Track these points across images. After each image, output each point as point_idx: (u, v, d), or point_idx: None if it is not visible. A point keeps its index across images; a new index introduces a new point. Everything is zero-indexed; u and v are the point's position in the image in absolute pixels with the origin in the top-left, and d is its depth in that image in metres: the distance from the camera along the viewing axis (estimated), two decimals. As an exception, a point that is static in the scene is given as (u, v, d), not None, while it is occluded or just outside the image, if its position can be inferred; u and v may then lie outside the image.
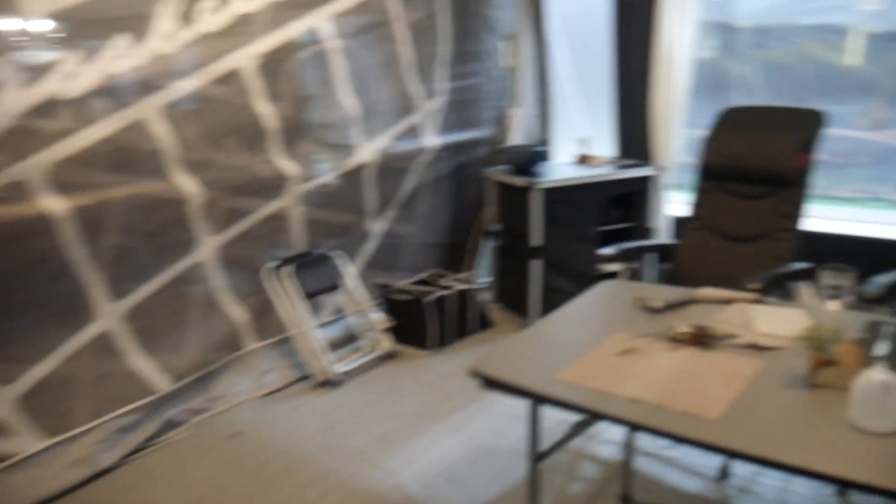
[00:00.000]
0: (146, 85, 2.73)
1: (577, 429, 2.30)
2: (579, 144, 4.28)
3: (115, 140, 2.65)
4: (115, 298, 2.74)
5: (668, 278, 2.91)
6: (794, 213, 2.67)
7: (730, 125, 2.90)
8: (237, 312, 3.25)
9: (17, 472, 2.50)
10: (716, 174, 2.88)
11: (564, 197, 3.80)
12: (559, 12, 4.33)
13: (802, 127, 2.69)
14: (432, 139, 4.05)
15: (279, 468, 2.73)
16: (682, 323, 1.94)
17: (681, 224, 3.72)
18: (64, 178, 2.51)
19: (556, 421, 2.02)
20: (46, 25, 2.47)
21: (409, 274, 4.11)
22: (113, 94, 2.64)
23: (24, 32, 2.42)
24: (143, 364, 2.87)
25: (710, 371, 1.73)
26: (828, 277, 1.74)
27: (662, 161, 3.93)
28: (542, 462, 1.97)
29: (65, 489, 2.57)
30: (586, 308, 2.28)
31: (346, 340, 3.72)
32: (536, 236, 3.80)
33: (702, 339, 1.87)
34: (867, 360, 1.53)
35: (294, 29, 3.25)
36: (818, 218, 2.75)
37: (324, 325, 3.62)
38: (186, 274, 3.01)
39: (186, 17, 2.83)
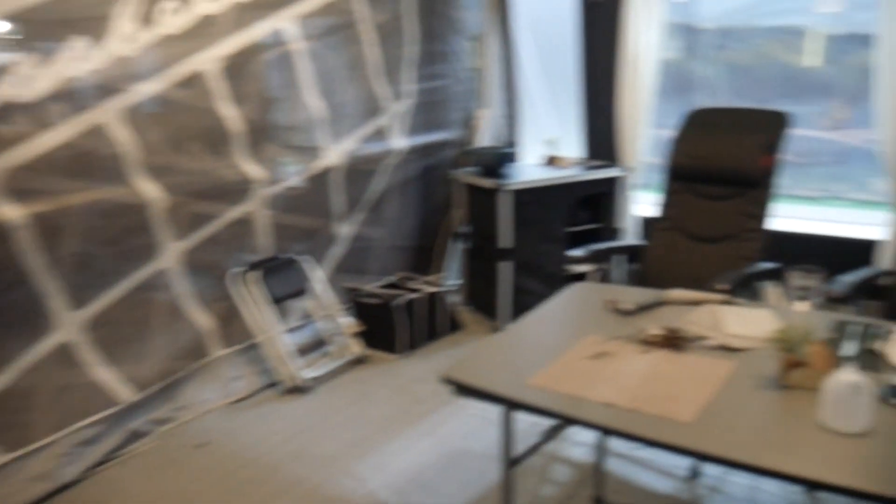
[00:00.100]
0: (106, 88, 2.66)
1: (551, 434, 2.30)
2: (547, 146, 4.29)
3: (73, 145, 2.58)
4: (75, 307, 2.66)
5: (637, 279, 2.92)
6: (760, 214, 2.70)
7: (697, 126, 2.92)
8: (202, 319, 3.19)
9: (-26, 488, 2.42)
10: (683, 175, 2.91)
11: (533, 198, 3.80)
12: (526, 14, 4.33)
13: (768, 128, 2.73)
14: (400, 141, 4.02)
15: (247, 477, 2.68)
16: (654, 325, 1.94)
17: (648, 224, 3.75)
18: (20, 184, 2.43)
19: (528, 423, 2.00)
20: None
21: (378, 277, 4.08)
22: (71, 97, 2.56)
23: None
24: (105, 374, 2.79)
25: (682, 374, 1.73)
26: (796, 278, 1.75)
27: (629, 162, 3.96)
28: (516, 467, 1.96)
29: (25, 505, 2.50)
30: (557, 311, 2.28)
31: (315, 346, 3.67)
32: (506, 238, 3.80)
33: (673, 341, 1.87)
34: (836, 361, 1.55)
35: (258, 30, 3.20)
36: (781, 217, 2.79)
37: (292, 330, 3.57)
38: (149, 281, 2.94)
39: (146, 18, 2.76)
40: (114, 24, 2.66)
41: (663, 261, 2.88)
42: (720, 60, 4.13)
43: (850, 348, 1.64)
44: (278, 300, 3.41)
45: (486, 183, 3.86)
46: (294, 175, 3.52)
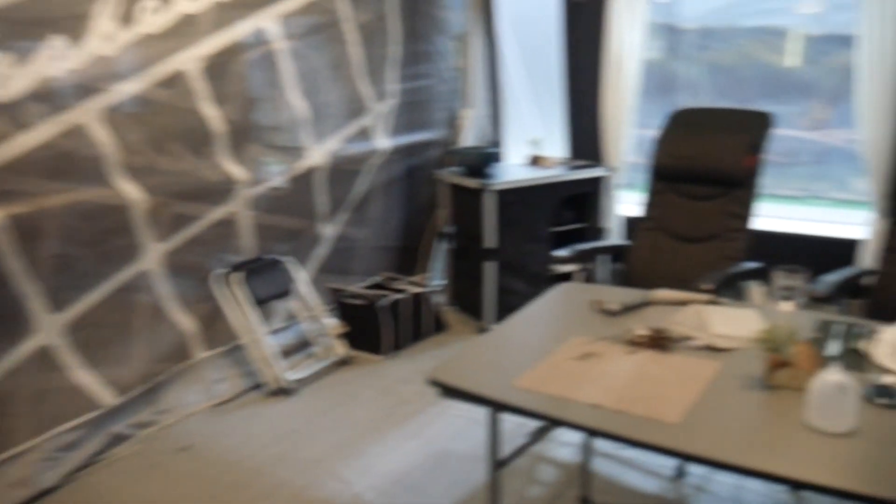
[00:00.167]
0: (85, 88, 2.62)
1: (538, 435, 2.30)
2: (531, 146, 4.29)
3: (53, 145, 2.54)
4: (55, 310, 2.62)
5: (622, 279, 2.93)
6: (744, 214, 2.71)
7: (680, 126, 2.93)
8: (185, 321, 3.16)
9: (-49, 495, 2.38)
10: (667, 175, 2.92)
11: (517, 198, 3.80)
12: (509, 13, 4.32)
13: (752, 128, 2.74)
14: (384, 141, 4.01)
15: (231, 481, 2.66)
16: (640, 325, 1.94)
17: (632, 224, 3.76)
18: (-2, 185, 2.39)
19: (515, 424, 1.99)
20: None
21: (363, 278, 4.06)
22: (50, 97, 2.52)
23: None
24: (86, 378, 2.75)
25: (669, 374, 1.73)
26: (781, 278, 1.76)
27: (613, 161, 3.96)
28: (502, 468, 1.95)
29: (4, 512, 2.46)
30: (543, 312, 2.27)
31: (299, 347, 3.65)
32: (490, 238, 3.79)
33: (659, 341, 1.87)
34: (821, 361, 1.56)
35: (240, 30, 3.17)
36: (764, 217, 2.81)
37: (276, 331, 3.54)
38: (131, 283, 2.90)
39: (126, 17, 2.73)
40: (93, 23, 2.63)
41: (648, 261, 2.89)
42: (702, 60, 4.15)
43: (834, 348, 1.65)
44: (262, 301, 3.38)
45: (471, 183, 3.86)
46: (277, 175, 3.49)
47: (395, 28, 3.97)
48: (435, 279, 4.41)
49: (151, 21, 2.81)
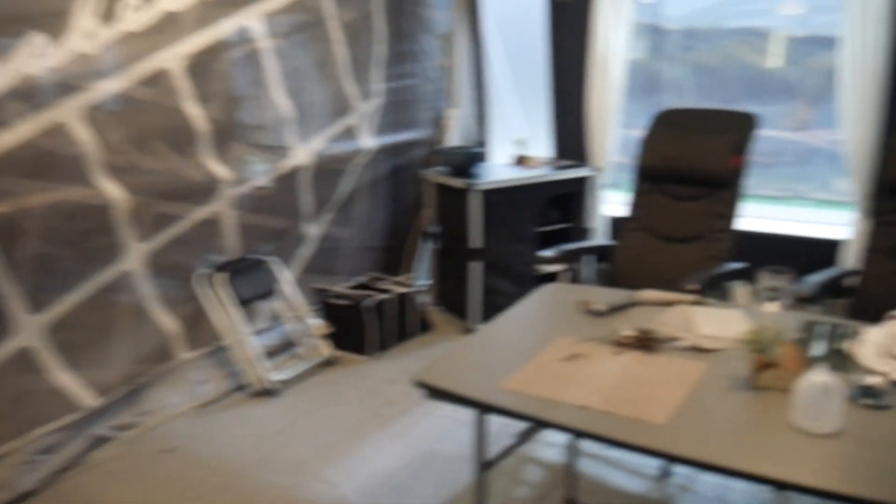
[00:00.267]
0: (66, 86, 2.58)
1: (525, 436, 2.30)
2: (516, 145, 4.29)
3: (33, 144, 2.50)
4: (35, 311, 2.58)
5: (607, 279, 2.93)
6: (728, 214, 2.73)
7: (666, 127, 2.94)
8: (168, 322, 3.12)
9: (-72, 500, 2.34)
10: (653, 175, 2.93)
11: (503, 198, 3.80)
12: (495, 13, 4.32)
13: (736, 129, 2.75)
14: (369, 140, 3.99)
15: (215, 484, 2.63)
16: (626, 326, 1.94)
17: (617, 224, 3.77)
18: (-24, 185, 2.36)
19: (501, 424, 1.99)
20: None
21: (348, 278, 4.04)
22: (30, 95, 2.48)
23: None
24: (66, 379, 2.72)
25: (656, 375, 1.74)
26: (766, 279, 1.77)
27: (598, 161, 3.97)
28: (489, 470, 1.95)
29: (-18, 516, 2.42)
30: (530, 312, 2.27)
31: (284, 348, 3.63)
32: (476, 238, 3.79)
33: (646, 342, 1.88)
34: (806, 362, 1.56)
35: (224, 28, 3.14)
36: (747, 217, 2.82)
37: (259, 332, 3.51)
38: (113, 283, 2.87)
39: (108, 14, 2.69)
40: (74, 20, 2.59)
41: (633, 261, 2.89)
42: (686, 61, 4.17)
43: (818, 349, 1.66)
44: (246, 302, 3.35)
45: (456, 183, 3.85)
46: (261, 175, 3.46)
47: (380, 27, 3.96)
48: (420, 279, 4.40)
49: (134, 18, 2.77)
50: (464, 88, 4.44)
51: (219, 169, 3.21)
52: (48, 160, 2.57)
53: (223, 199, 3.27)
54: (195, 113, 3.07)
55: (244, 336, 3.31)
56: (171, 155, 3.03)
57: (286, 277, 3.61)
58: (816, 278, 2.32)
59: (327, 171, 3.78)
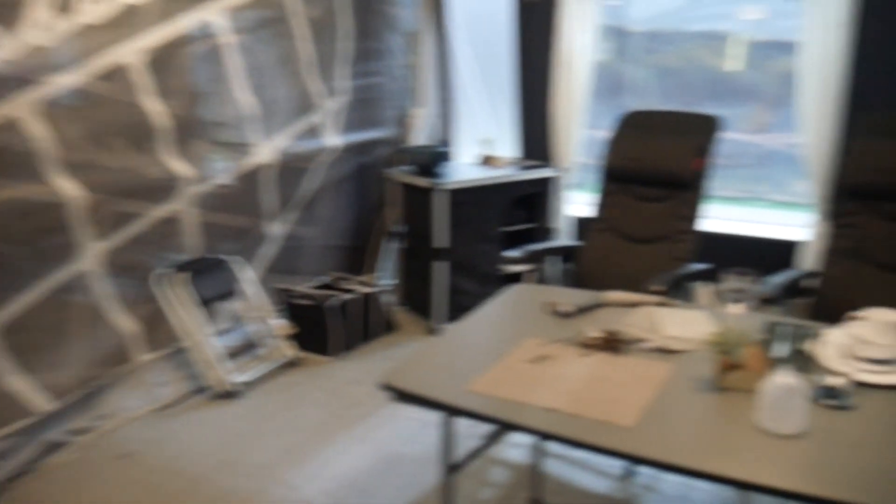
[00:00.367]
0: (19, 79, 2.50)
1: (492, 439, 2.29)
2: (482, 145, 4.29)
3: (-17, 140, 2.42)
4: (-15, 313, 2.50)
5: (572, 279, 2.94)
6: (691, 216, 2.76)
7: (632, 128, 2.96)
8: (126, 323, 3.05)
9: None
10: (618, 176, 2.94)
11: (469, 198, 3.79)
12: (461, 12, 4.31)
13: (700, 132, 2.79)
14: (333, 139, 3.95)
15: (175, 489, 2.57)
16: (593, 327, 1.95)
17: (583, 224, 3.79)
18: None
19: (467, 425, 1.98)
20: None
21: (311, 278, 3.99)
22: (-20, 89, 2.40)
23: None
24: (18, 383, 2.63)
25: (622, 377, 1.74)
26: (731, 281, 1.79)
27: (563, 162, 3.99)
28: (456, 473, 1.93)
29: (-71, 526, 2.33)
30: (496, 313, 2.26)
31: (246, 349, 3.57)
32: (441, 238, 3.77)
33: (612, 343, 1.88)
34: (771, 363, 1.58)
35: (185, 22, 3.07)
36: (709, 218, 2.85)
37: (221, 333, 3.45)
38: (68, 283, 2.79)
39: (64, 6, 2.61)
40: (27, 11, 2.50)
41: (598, 261, 2.91)
42: (649, 63, 4.21)
43: (781, 350, 1.68)
44: (207, 302, 3.29)
45: (422, 182, 3.83)
46: (223, 172, 3.40)
47: (345, 24, 3.91)
48: (385, 279, 4.37)
49: (91, 11, 2.70)
50: (429, 87, 4.42)
51: (179, 166, 3.14)
52: (1, 157, 2.48)
53: (184, 197, 3.20)
54: (155, 109, 3.00)
55: (205, 337, 3.25)
56: (130, 152, 2.95)
57: (249, 277, 3.55)
58: (778, 279, 2.36)
59: (291, 169, 3.73)
